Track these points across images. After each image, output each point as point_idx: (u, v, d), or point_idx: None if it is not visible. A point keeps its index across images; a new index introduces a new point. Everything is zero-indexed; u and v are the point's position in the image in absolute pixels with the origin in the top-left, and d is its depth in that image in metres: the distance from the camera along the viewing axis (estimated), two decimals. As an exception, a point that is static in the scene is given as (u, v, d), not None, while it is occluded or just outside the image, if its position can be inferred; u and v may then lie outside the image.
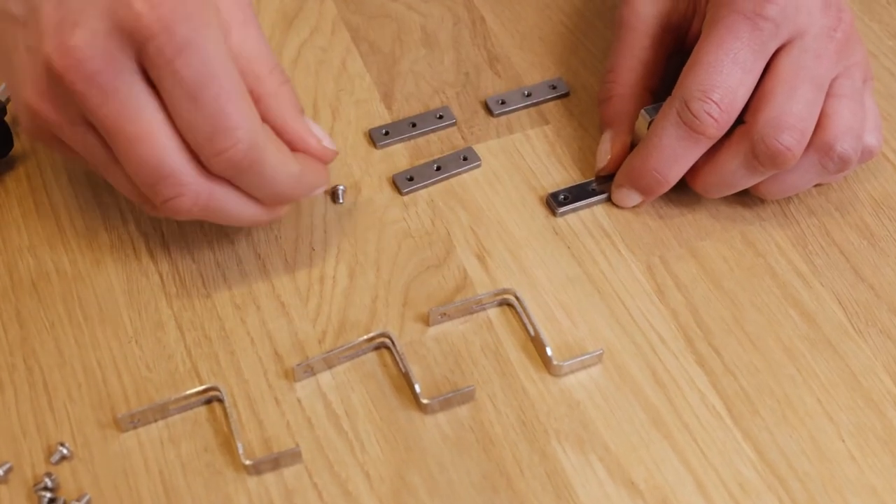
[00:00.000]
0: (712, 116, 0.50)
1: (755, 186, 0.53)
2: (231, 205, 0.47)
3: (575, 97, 0.60)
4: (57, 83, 0.43)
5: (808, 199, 0.56)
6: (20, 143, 0.56)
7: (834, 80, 0.52)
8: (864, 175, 0.57)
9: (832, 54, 0.51)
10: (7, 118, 0.56)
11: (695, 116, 0.50)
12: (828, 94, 0.51)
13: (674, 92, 0.51)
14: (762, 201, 0.55)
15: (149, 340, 0.50)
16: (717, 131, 0.50)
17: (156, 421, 0.48)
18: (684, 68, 0.51)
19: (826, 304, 0.52)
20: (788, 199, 0.56)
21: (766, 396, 0.49)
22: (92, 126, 0.45)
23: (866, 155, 0.53)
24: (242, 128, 0.44)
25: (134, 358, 0.49)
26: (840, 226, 0.55)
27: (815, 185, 0.56)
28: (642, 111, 0.54)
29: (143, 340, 0.50)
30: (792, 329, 0.51)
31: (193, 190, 0.45)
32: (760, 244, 0.54)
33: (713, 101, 0.50)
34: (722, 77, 0.50)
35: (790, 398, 0.49)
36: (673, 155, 0.52)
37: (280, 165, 0.46)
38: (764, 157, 0.50)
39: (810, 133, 0.50)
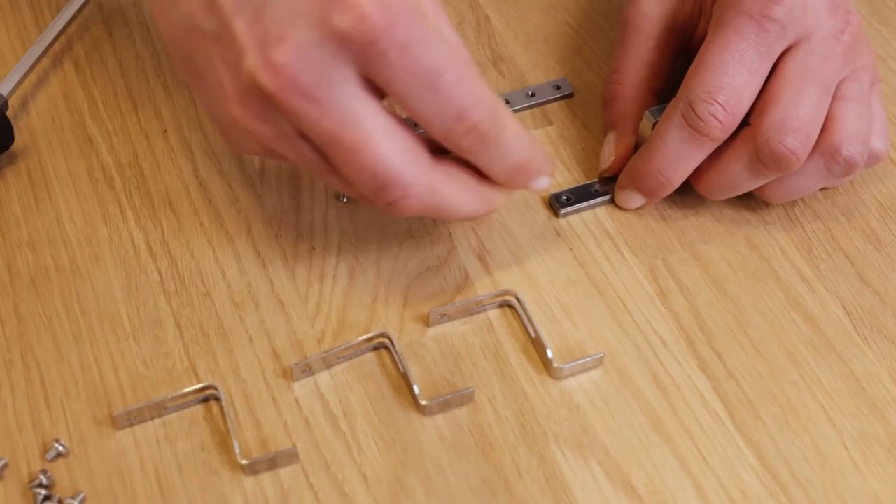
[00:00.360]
0: (717, 118, 0.49)
1: (760, 189, 0.53)
2: (453, 199, 0.46)
3: (579, 98, 0.59)
4: (267, 100, 0.43)
5: (813, 202, 0.55)
6: (21, 138, 0.56)
7: (841, 83, 0.51)
8: (870, 179, 0.56)
9: (839, 57, 0.50)
10: (8, 112, 0.56)
11: (699, 118, 0.50)
12: (834, 97, 0.51)
13: (678, 93, 0.51)
14: (767, 205, 0.55)
15: (146, 337, 0.50)
16: (721, 133, 0.50)
17: (152, 419, 0.47)
18: (689, 69, 0.51)
19: (830, 309, 0.52)
20: (794, 203, 0.55)
21: (768, 402, 0.48)
22: (305, 137, 0.44)
23: (872, 159, 0.53)
24: (485, 98, 0.44)
25: (131, 355, 0.49)
26: (846, 230, 0.54)
27: (821, 189, 0.55)
28: (647, 112, 0.53)
29: (141, 337, 0.50)
30: (795, 334, 0.51)
31: (417, 190, 0.45)
32: (765, 248, 0.54)
33: (718, 103, 0.49)
34: (727, 79, 0.49)
35: (793, 404, 0.48)
36: (677, 157, 0.51)
37: (518, 133, 0.46)
38: (768, 160, 0.50)
39: (815, 136, 0.50)
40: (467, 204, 0.47)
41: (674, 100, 0.51)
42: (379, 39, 0.42)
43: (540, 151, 0.48)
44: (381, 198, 0.44)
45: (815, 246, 0.54)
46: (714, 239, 0.54)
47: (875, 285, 0.52)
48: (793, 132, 0.49)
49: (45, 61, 0.59)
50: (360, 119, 0.43)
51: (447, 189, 0.46)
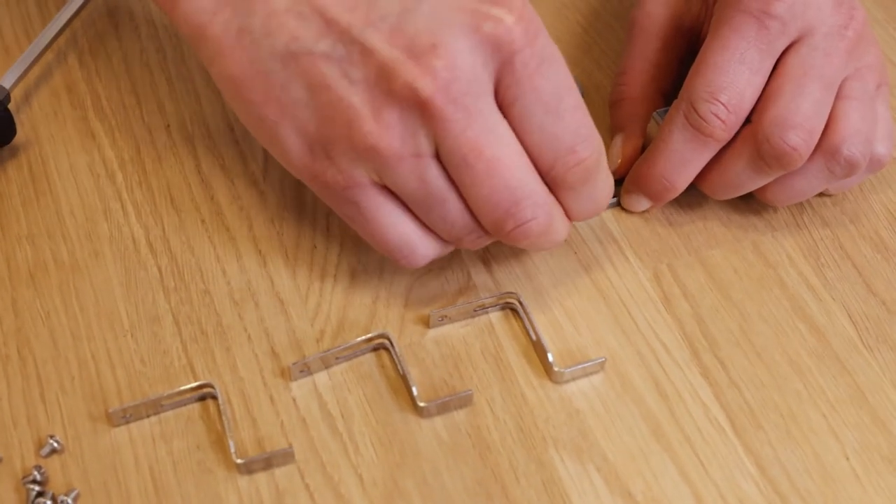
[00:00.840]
0: (720, 118, 0.49)
1: (762, 193, 0.52)
2: (558, 226, 0.46)
3: (588, 98, 0.59)
4: (411, 111, 0.42)
5: (821, 209, 0.55)
6: (23, 131, 0.56)
7: (844, 82, 0.50)
8: (879, 186, 0.56)
9: (842, 53, 0.50)
10: (11, 105, 0.55)
11: (702, 118, 0.49)
12: (837, 96, 0.50)
13: (680, 94, 0.50)
14: (775, 210, 0.54)
15: (144, 334, 0.49)
16: (725, 133, 0.49)
17: (148, 416, 0.47)
18: (691, 70, 0.50)
19: (836, 318, 0.51)
20: (802, 209, 0.54)
21: (770, 411, 0.48)
22: (435, 155, 0.44)
23: (875, 164, 0.52)
24: (596, 135, 0.45)
25: (129, 351, 0.49)
26: (854, 238, 0.54)
27: (829, 196, 0.55)
28: (654, 114, 0.53)
29: (139, 334, 0.49)
30: (800, 343, 0.50)
31: (546, 211, 0.45)
32: (771, 255, 0.53)
33: (720, 103, 0.49)
34: (729, 78, 0.49)
35: (795, 413, 0.48)
36: (681, 159, 0.51)
37: (608, 177, 0.47)
38: (770, 157, 0.49)
39: (818, 133, 0.49)
40: (560, 233, 0.47)
41: (676, 101, 0.51)
42: (522, 49, 0.42)
43: (611, 194, 0.49)
44: (511, 219, 0.44)
45: (823, 254, 0.53)
46: (720, 244, 0.53)
47: (882, 295, 0.52)
48: (794, 128, 0.48)
49: (49, 55, 0.59)
50: (500, 132, 0.43)
51: (559, 214, 0.46)
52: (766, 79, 0.50)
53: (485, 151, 0.43)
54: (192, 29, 0.46)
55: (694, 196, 0.54)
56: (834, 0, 0.50)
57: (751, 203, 0.54)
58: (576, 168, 0.45)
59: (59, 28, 0.57)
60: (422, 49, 0.42)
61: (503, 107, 0.44)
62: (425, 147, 0.43)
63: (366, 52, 0.43)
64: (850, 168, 0.50)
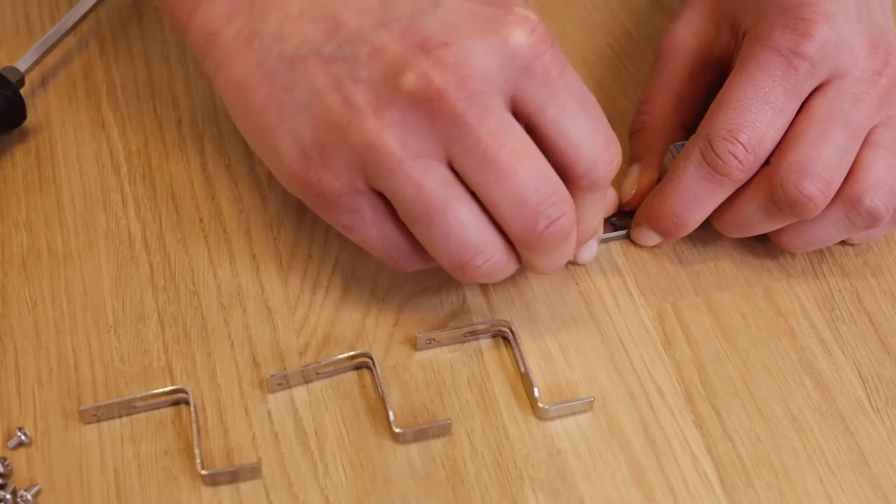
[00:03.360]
0: (737, 158, 0.47)
1: (778, 237, 0.50)
2: (574, 237, 0.45)
3: (610, 124, 0.56)
4: (421, 107, 0.41)
5: (842, 258, 0.52)
6: (35, 115, 0.55)
7: (874, 129, 0.48)
8: (908, 240, 0.53)
9: (873, 100, 0.47)
10: (26, 88, 0.55)
11: (718, 157, 0.47)
12: (864, 143, 0.47)
13: (698, 130, 0.48)
14: (793, 256, 0.52)
15: (128, 332, 0.48)
16: (742, 174, 0.47)
17: (120, 417, 0.46)
18: (712, 105, 0.48)
19: (845, 375, 0.48)
20: (821, 257, 0.52)
21: (763, 469, 0.45)
22: (442, 158, 0.42)
23: None
24: (616, 137, 0.45)
25: (110, 348, 0.48)
26: (874, 292, 0.51)
27: (852, 245, 0.52)
28: (671, 147, 0.50)
29: (122, 331, 0.48)
30: (803, 398, 0.47)
31: (572, 206, 0.43)
32: (784, 303, 0.50)
33: (739, 142, 0.46)
34: (750, 117, 0.46)
35: (790, 474, 0.45)
36: (694, 197, 0.48)
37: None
38: (783, 204, 0.46)
39: (837, 183, 0.47)
40: (573, 247, 0.45)
41: (693, 136, 0.48)
42: (542, 54, 0.42)
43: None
44: (542, 217, 0.42)
45: (839, 306, 0.50)
46: (731, 287, 0.51)
47: (897, 355, 0.49)
48: (811, 176, 0.46)
49: (72, 39, 0.58)
50: (516, 130, 0.42)
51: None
52: (789, 120, 0.47)
53: (506, 144, 0.41)
54: (204, 36, 0.46)
55: (708, 234, 0.52)
56: (870, 44, 0.48)
57: (767, 246, 0.52)
58: (612, 164, 0.44)
59: (81, 15, 0.56)
60: (434, 45, 0.41)
61: (529, 115, 0.43)
62: (429, 148, 0.42)
63: (375, 50, 0.42)
64: (872, 220, 0.47)
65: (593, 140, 0.43)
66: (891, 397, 0.48)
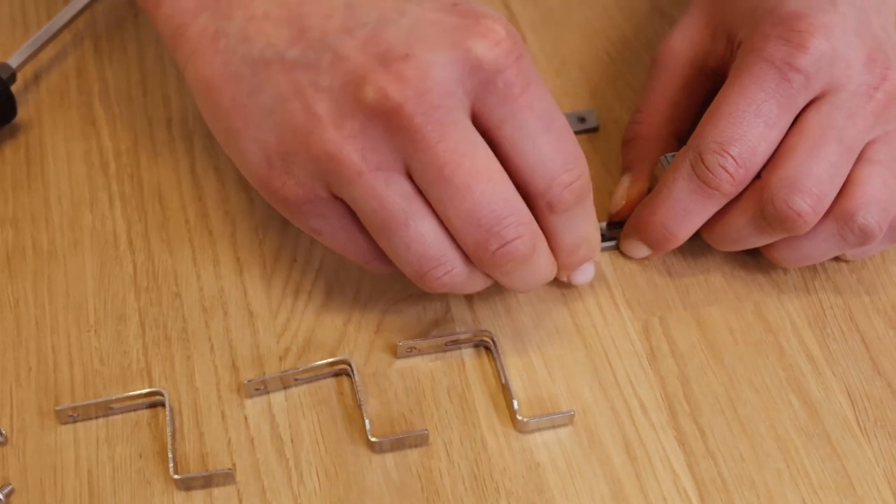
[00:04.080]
0: (728, 171, 0.46)
1: (769, 251, 0.49)
2: (543, 257, 0.44)
3: (604, 133, 0.56)
4: (380, 120, 0.40)
5: (836, 275, 0.51)
6: (27, 111, 0.55)
7: (869, 144, 0.47)
8: (904, 258, 0.52)
9: (868, 115, 0.46)
10: (19, 84, 0.55)
11: (708, 170, 0.46)
12: (859, 159, 0.46)
13: (689, 141, 0.47)
14: (785, 272, 0.51)
15: (108, 332, 0.48)
16: (732, 188, 0.46)
17: (97, 418, 0.46)
18: (703, 116, 0.47)
19: (833, 395, 0.47)
20: (814, 274, 0.51)
21: (745, 488, 0.44)
22: (403, 171, 0.42)
23: None
24: (582, 155, 0.43)
25: (89, 348, 0.48)
26: (867, 310, 0.50)
27: (847, 261, 0.51)
28: (662, 158, 0.50)
29: (103, 331, 0.48)
30: (789, 418, 0.47)
31: (532, 230, 0.42)
32: (774, 319, 0.49)
33: (730, 155, 0.46)
34: (742, 130, 0.45)
35: (772, 494, 0.44)
36: (683, 210, 0.47)
37: (593, 206, 0.45)
38: (772, 219, 0.46)
39: (829, 198, 0.46)
40: (544, 268, 0.45)
41: (684, 148, 0.47)
42: (506, 69, 0.41)
43: (599, 232, 0.47)
44: (495, 238, 0.41)
45: (830, 323, 0.49)
46: (720, 302, 0.50)
47: (888, 375, 0.48)
48: (802, 192, 0.45)
49: (67, 36, 0.58)
50: (477, 147, 0.41)
51: (543, 243, 0.44)
52: (782, 134, 0.46)
53: (463, 164, 0.41)
54: (172, 29, 0.45)
55: (699, 246, 0.51)
56: (867, 57, 0.46)
57: (759, 260, 0.51)
58: (572, 186, 0.43)
59: (75, 12, 0.56)
60: (395, 57, 0.40)
61: (488, 130, 0.42)
62: (390, 161, 0.41)
63: (337, 58, 0.41)
64: (865, 237, 0.46)
65: (550, 161, 0.42)
66: (879, 418, 0.47)
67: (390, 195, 0.41)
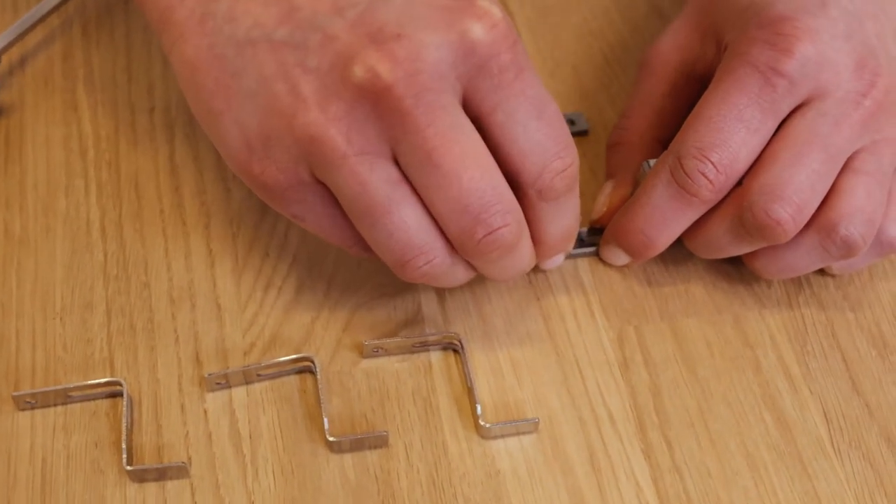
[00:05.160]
0: (707, 178, 0.44)
1: (750, 261, 0.48)
2: (526, 247, 0.43)
3: (593, 136, 0.54)
4: (368, 102, 0.39)
5: (821, 290, 0.49)
6: (10, 95, 0.55)
7: (856, 154, 0.45)
8: (893, 274, 0.50)
9: (856, 123, 0.44)
10: (2, 68, 0.55)
11: (687, 176, 0.45)
12: (844, 168, 0.45)
13: (670, 146, 0.46)
14: (768, 284, 0.49)
15: (74, 320, 0.48)
16: (712, 195, 0.45)
17: (55, 405, 0.45)
18: (685, 122, 0.46)
19: (809, 413, 0.46)
20: (798, 287, 0.49)
21: (710, 505, 0.43)
22: (388, 156, 0.40)
23: (887, 247, 0.47)
24: (574, 144, 0.43)
25: (53, 335, 0.47)
26: (850, 327, 0.48)
27: (832, 276, 0.50)
28: (644, 163, 0.48)
29: (68, 319, 0.48)
30: (761, 435, 0.45)
31: (518, 219, 0.41)
32: (753, 333, 0.48)
33: (710, 162, 0.44)
34: (723, 135, 0.44)
35: (738, 513, 0.43)
36: (662, 216, 0.46)
37: (579, 197, 0.45)
38: (751, 228, 0.44)
39: (811, 208, 0.44)
40: (526, 258, 0.44)
41: (664, 153, 0.46)
42: (500, 53, 0.40)
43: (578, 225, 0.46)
44: (481, 225, 0.40)
45: (811, 340, 0.48)
46: (699, 313, 0.49)
47: (867, 396, 0.46)
48: (781, 200, 0.44)
49: (56, 20, 0.58)
50: (466, 133, 0.40)
51: (526, 234, 0.43)
52: (765, 141, 0.45)
53: (453, 148, 0.40)
54: (159, 13, 0.44)
55: (681, 255, 0.49)
56: (856, 63, 0.45)
57: (743, 272, 0.49)
58: (564, 174, 0.42)
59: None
60: (387, 37, 0.39)
61: (480, 115, 0.41)
62: (375, 145, 0.40)
63: (326, 39, 0.40)
64: (848, 249, 0.45)
65: (542, 148, 0.41)
66: (854, 440, 0.45)
67: (374, 181, 0.40)
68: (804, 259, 0.46)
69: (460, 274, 0.44)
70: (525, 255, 0.43)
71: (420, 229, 0.41)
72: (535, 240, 0.44)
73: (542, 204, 0.43)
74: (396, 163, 0.41)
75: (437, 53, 0.40)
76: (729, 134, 0.44)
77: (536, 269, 0.48)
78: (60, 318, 0.48)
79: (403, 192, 0.41)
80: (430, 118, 0.39)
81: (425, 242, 0.42)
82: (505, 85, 0.40)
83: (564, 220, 0.44)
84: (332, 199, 0.43)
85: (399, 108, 0.39)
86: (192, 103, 0.44)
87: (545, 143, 0.41)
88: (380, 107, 0.39)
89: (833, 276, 0.50)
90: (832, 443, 0.45)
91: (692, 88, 0.50)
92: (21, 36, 0.55)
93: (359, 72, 0.39)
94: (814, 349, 0.48)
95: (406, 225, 0.41)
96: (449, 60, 0.40)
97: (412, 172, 0.41)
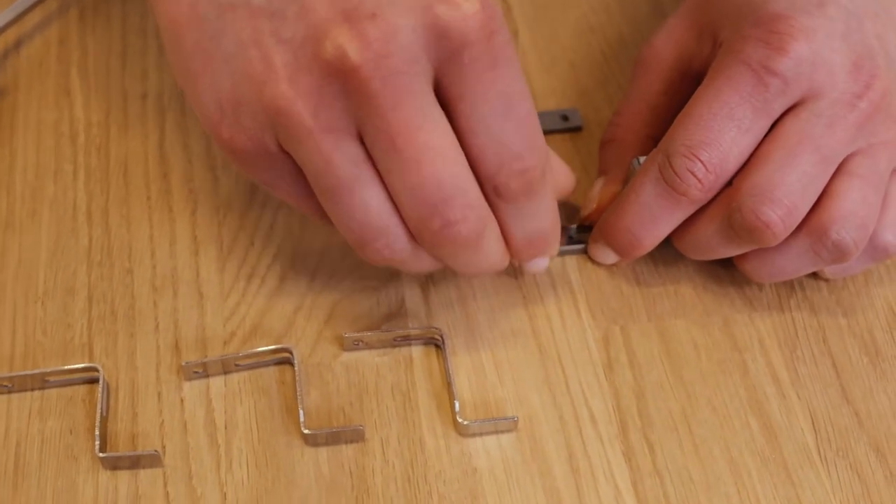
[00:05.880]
0: (696, 177, 0.43)
1: (741, 263, 0.47)
2: (491, 243, 0.42)
3: (587, 133, 0.54)
4: (336, 79, 0.38)
5: (814, 294, 0.48)
6: (4, 78, 0.55)
7: (850, 157, 0.44)
8: (888, 279, 0.49)
9: (850, 125, 0.43)
10: (-2, 50, 0.55)
11: (676, 174, 0.44)
12: (838, 171, 0.44)
13: (660, 144, 0.45)
14: (759, 287, 0.48)
15: (55, 304, 0.47)
16: (701, 194, 0.44)
17: (32, 390, 0.45)
18: (676, 119, 0.45)
19: (796, 420, 0.45)
20: (790, 291, 0.48)
21: (689, 511, 0.42)
22: (355, 135, 0.40)
23: (881, 253, 0.46)
24: (545, 148, 0.41)
25: (34, 319, 0.47)
26: (842, 334, 0.47)
27: (826, 280, 0.48)
28: (634, 160, 0.47)
29: (50, 303, 0.47)
30: (745, 441, 0.44)
31: (479, 215, 0.40)
32: (742, 337, 0.47)
33: (699, 160, 0.43)
34: (713, 134, 0.43)
35: (718, 519, 0.42)
36: (650, 215, 0.45)
37: (553, 200, 0.43)
38: (740, 229, 0.43)
39: (802, 211, 0.43)
40: (493, 254, 0.42)
41: (654, 150, 0.45)
42: (475, 43, 0.39)
43: (558, 230, 0.44)
44: (438, 217, 0.39)
45: (801, 345, 0.47)
46: (687, 315, 0.48)
47: (856, 404, 0.45)
48: (771, 202, 0.43)
49: (53, 3, 0.58)
50: (435, 121, 0.39)
51: (492, 229, 0.42)
52: (757, 141, 0.44)
53: (417, 136, 0.39)
54: None
55: (671, 255, 0.48)
56: (853, 64, 0.44)
57: (734, 274, 0.48)
58: (521, 176, 0.40)
59: (60, -20, 0.56)
60: (361, 16, 0.38)
61: (448, 101, 0.40)
62: (342, 123, 0.39)
63: (303, 10, 0.39)
64: (839, 254, 0.44)
65: (502, 147, 0.40)
66: (841, 448, 0.44)
67: (338, 158, 0.39)
68: (795, 263, 0.45)
69: (425, 262, 0.43)
70: (491, 252, 0.42)
71: (381, 212, 0.41)
72: (505, 238, 0.43)
73: (501, 203, 0.41)
74: (363, 143, 0.40)
75: (410, 36, 0.38)
76: (720, 133, 0.44)
77: (531, 284, 0.48)
78: (42, 303, 0.47)
79: (367, 173, 0.40)
80: (395, 102, 0.38)
81: (386, 226, 0.41)
82: (474, 76, 0.39)
83: (531, 223, 0.43)
84: (299, 169, 0.42)
85: (365, 90, 0.38)
86: (172, 64, 0.44)
87: (506, 142, 0.40)
88: (347, 86, 0.38)
89: (826, 280, 0.49)
90: (819, 451, 0.44)
91: (688, 86, 0.49)
92: (18, 18, 0.55)
93: (329, 49, 0.38)
94: (804, 354, 0.47)
95: (367, 206, 0.40)
96: (421, 44, 0.39)
97: (376, 154, 0.40)
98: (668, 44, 0.49)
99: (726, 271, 0.49)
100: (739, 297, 0.48)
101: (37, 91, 0.54)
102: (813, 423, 0.45)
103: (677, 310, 0.48)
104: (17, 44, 0.56)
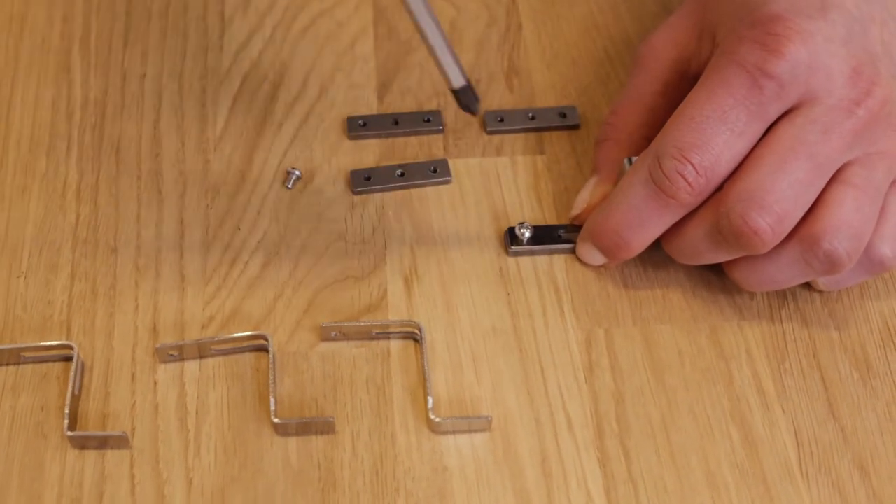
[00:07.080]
0: (686, 180, 0.42)
1: (730, 270, 0.46)
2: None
3: (584, 131, 0.53)
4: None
5: (806, 306, 0.47)
6: (6, 54, 0.55)
7: (846, 166, 0.43)
8: (885, 293, 0.47)
9: (846, 133, 0.42)
10: (1, 25, 0.55)
11: (666, 176, 0.43)
12: (834, 180, 0.43)
13: (651, 145, 0.44)
14: (751, 295, 0.47)
15: (37, 280, 0.47)
16: (690, 197, 0.43)
17: (7, 365, 0.45)
18: (668, 120, 0.44)
19: (779, 434, 0.44)
20: (782, 301, 0.47)
21: (661, 521, 0.41)
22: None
23: (877, 266, 0.44)
24: None
25: (15, 295, 0.47)
26: (833, 347, 0.46)
27: (819, 291, 0.47)
28: (625, 160, 0.46)
29: (32, 279, 0.47)
30: (725, 452, 0.43)
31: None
32: (729, 345, 0.46)
33: (690, 163, 0.42)
34: (705, 136, 0.42)
35: (689, 531, 0.41)
36: (638, 217, 0.44)
37: None
38: (728, 235, 0.42)
39: (793, 219, 0.42)
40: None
41: (644, 152, 0.44)
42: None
43: None
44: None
45: (790, 357, 0.46)
46: (674, 320, 0.47)
47: (843, 420, 0.44)
48: (761, 208, 0.41)
49: (60, -18, 0.58)
50: None
51: None
52: (750, 145, 0.43)
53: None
54: None
55: (662, 259, 0.47)
56: (853, 70, 0.43)
57: (725, 281, 0.47)
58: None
59: (67, -43, 0.56)
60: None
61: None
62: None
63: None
64: (831, 265, 0.43)
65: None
66: (824, 465, 0.43)
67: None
68: (785, 272, 0.44)
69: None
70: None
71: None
72: None
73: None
74: None
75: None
76: (711, 135, 0.42)
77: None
78: (25, 278, 0.47)
79: None
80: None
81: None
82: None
83: None
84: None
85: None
86: None
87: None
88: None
89: (820, 291, 0.47)
90: (801, 466, 0.43)
91: (686, 87, 0.47)
92: (21, -6, 0.55)
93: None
94: (792, 367, 0.45)
95: None
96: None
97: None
98: (668, 43, 0.48)
99: (717, 278, 0.47)
100: (729, 305, 0.47)
101: (38, 67, 0.54)
102: (796, 437, 0.44)
103: (664, 315, 0.47)
104: (21, 19, 0.56)
